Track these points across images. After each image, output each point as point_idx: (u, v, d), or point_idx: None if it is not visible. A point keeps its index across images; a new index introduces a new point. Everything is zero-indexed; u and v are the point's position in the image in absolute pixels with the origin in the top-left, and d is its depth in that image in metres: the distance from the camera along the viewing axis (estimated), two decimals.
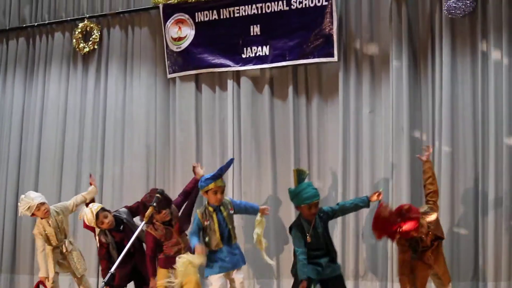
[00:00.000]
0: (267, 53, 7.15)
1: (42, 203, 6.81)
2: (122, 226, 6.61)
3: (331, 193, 7.02)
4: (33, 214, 6.85)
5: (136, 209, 6.74)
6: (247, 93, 7.39)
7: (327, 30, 6.87)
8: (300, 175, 5.93)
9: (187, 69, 7.55)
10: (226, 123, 7.47)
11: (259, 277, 7.22)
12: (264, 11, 7.14)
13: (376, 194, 5.96)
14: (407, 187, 6.61)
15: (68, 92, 8.35)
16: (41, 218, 6.85)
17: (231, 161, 6.30)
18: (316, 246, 5.85)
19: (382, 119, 6.87)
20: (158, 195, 5.97)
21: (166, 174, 7.79)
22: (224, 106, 7.52)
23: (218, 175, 6.04)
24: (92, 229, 6.84)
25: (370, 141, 6.88)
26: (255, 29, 7.19)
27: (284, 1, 7.05)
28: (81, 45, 8.14)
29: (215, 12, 7.39)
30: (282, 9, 7.06)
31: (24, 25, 8.61)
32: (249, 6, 7.20)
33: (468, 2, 6.41)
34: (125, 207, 6.88)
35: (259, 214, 6.25)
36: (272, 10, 7.11)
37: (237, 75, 7.43)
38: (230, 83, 7.44)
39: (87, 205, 6.81)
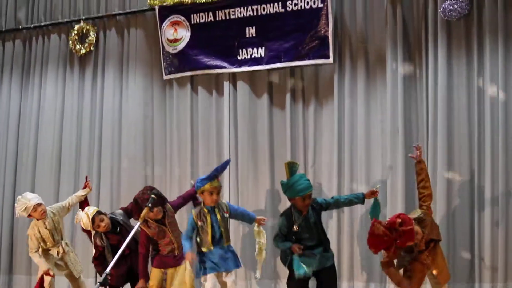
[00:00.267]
0: (263, 55, 7.16)
1: (39, 204, 6.81)
2: (118, 228, 6.61)
3: (326, 194, 7.01)
4: (29, 215, 6.85)
5: (131, 211, 6.75)
6: (243, 95, 7.40)
7: (322, 32, 6.88)
8: (291, 168, 5.95)
9: (183, 71, 7.56)
10: (223, 124, 7.47)
11: (255, 279, 7.19)
12: (259, 13, 7.15)
13: (372, 192, 5.96)
14: (402, 189, 6.62)
15: (65, 94, 8.35)
16: (38, 219, 6.85)
17: (227, 162, 6.30)
18: (308, 237, 5.87)
19: (377, 121, 6.88)
20: (153, 196, 5.99)
21: (163, 174, 7.79)
22: (220, 108, 7.53)
23: (214, 176, 6.04)
24: (89, 232, 6.84)
25: (366, 143, 6.88)
26: (251, 31, 7.20)
27: (280, 3, 7.06)
28: (78, 46, 8.14)
29: (210, 14, 7.40)
30: (278, 11, 7.07)
31: (20, 27, 8.61)
32: (245, 8, 7.21)
33: (464, 4, 6.42)
34: (121, 208, 6.89)
35: (256, 225, 6.26)
36: (268, 12, 7.12)
37: (233, 77, 7.44)
38: (226, 84, 7.45)
39: (82, 208, 6.80)
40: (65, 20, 8.32)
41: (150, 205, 5.93)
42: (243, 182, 7.37)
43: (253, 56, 7.19)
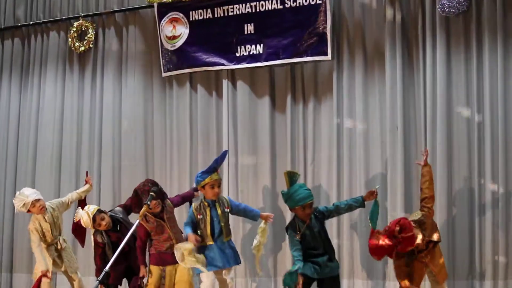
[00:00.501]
0: (261, 52, 7.15)
1: (37, 200, 6.80)
2: (118, 226, 6.61)
3: (325, 191, 7.01)
4: (29, 211, 6.84)
5: (130, 206, 6.76)
6: (242, 93, 7.39)
7: (320, 28, 6.86)
8: (291, 177, 5.99)
9: (181, 68, 7.55)
10: (222, 122, 7.47)
11: (255, 276, 7.20)
12: (258, 10, 7.14)
13: (371, 193, 5.97)
14: (401, 186, 6.62)
15: (64, 91, 8.33)
16: (37, 214, 6.84)
17: (225, 153, 6.30)
18: (313, 245, 5.89)
19: (376, 117, 6.88)
20: (152, 193, 5.99)
21: (163, 172, 7.78)
22: (219, 106, 7.53)
23: (214, 168, 6.05)
24: (82, 233, 6.84)
25: (364, 140, 6.88)
26: (249, 28, 7.19)
27: (278, 0, 7.04)
28: (77, 44, 8.13)
29: (209, 10, 7.38)
30: (276, 7, 7.06)
31: (19, 24, 8.60)
32: (243, 4, 7.20)
33: (462, 0, 6.41)
34: (120, 205, 6.88)
35: (263, 222, 6.24)
36: (266, 9, 7.10)
37: (232, 75, 7.43)
38: (225, 83, 7.44)
39: (82, 207, 6.80)
40: (63, 17, 8.31)
41: (149, 202, 5.94)
42: (243, 179, 7.36)
43: (251, 53, 7.18)
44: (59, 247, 6.91)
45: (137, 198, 6.22)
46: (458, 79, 6.57)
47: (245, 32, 7.21)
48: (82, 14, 8.18)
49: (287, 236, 6.80)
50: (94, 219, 6.45)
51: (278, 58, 7.07)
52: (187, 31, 7.51)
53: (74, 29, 8.12)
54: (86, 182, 7.18)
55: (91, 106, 8.17)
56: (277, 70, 7.31)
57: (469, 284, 6.45)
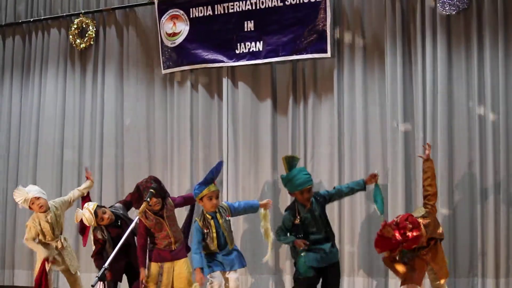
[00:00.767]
0: (261, 49, 7.14)
1: (37, 198, 6.79)
2: (119, 222, 6.62)
3: (326, 188, 7.00)
4: (30, 208, 6.85)
5: (130, 202, 6.77)
6: (243, 90, 7.38)
7: (320, 26, 6.85)
8: (290, 162, 5.97)
9: (181, 65, 7.54)
10: (222, 119, 7.47)
11: (254, 273, 7.21)
12: (258, 7, 7.13)
13: (372, 177, 5.99)
14: (402, 183, 6.63)
15: (66, 88, 8.32)
16: (40, 212, 6.83)
17: (220, 164, 6.24)
18: (315, 230, 5.91)
19: (376, 114, 6.89)
20: (152, 190, 6.00)
21: (165, 168, 7.78)
22: (220, 103, 7.53)
23: (210, 179, 6.04)
24: (86, 232, 6.85)
25: (364, 137, 6.88)
26: (249, 25, 7.19)
27: None
28: (78, 41, 8.13)
29: (209, 8, 7.38)
30: (276, 5, 7.05)
31: (20, 21, 8.60)
32: (243, 2, 7.19)
33: None
34: (119, 202, 6.89)
35: (262, 209, 6.26)
36: (266, 6, 7.10)
37: (232, 73, 7.42)
38: (225, 80, 7.43)
39: (83, 204, 6.81)
40: (64, 14, 8.32)
41: (148, 199, 5.95)
42: (244, 176, 7.36)
43: (251, 50, 7.17)
44: (59, 246, 6.89)
45: (138, 194, 6.23)
46: (459, 76, 6.57)
47: (245, 29, 7.20)
48: (83, 11, 8.17)
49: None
50: (96, 213, 6.45)
51: (278, 56, 7.07)
52: (187, 28, 7.51)
53: (75, 26, 8.12)
54: (87, 178, 7.19)
55: (93, 103, 8.17)
56: (278, 68, 7.31)
57: (470, 281, 6.45)
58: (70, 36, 8.16)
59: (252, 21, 7.17)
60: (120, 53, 8.11)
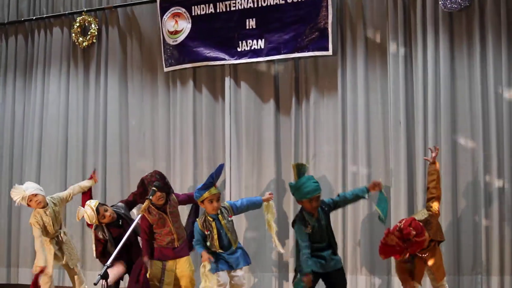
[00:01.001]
0: (262, 47, 7.13)
1: (34, 194, 6.80)
2: (120, 221, 6.61)
3: (329, 187, 7.00)
4: (28, 205, 6.86)
5: (133, 202, 6.77)
6: (245, 89, 7.38)
7: (322, 24, 6.85)
8: (300, 169, 5.95)
9: (183, 63, 7.53)
10: (225, 119, 7.46)
11: (257, 271, 7.21)
12: (259, 5, 7.12)
13: (375, 185, 5.97)
14: (404, 182, 6.63)
15: (69, 87, 8.32)
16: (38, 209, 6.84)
17: (221, 167, 6.20)
18: (319, 239, 5.91)
19: (378, 112, 6.88)
20: (154, 188, 5.99)
21: (168, 167, 7.77)
22: (222, 102, 7.53)
23: (210, 184, 6.02)
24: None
25: (367, 135, 6.87)
26: (251, 23, 7.18)
27: None
28: (80, 39, 8.13)
29: (211, 5, 7.37)
30: (278, 2, 7.04)
31: (22, 19, 8.60)
32: None
33: None
34: (121, 201, 6.88)
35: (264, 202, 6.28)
36: (268, 4, 7.09)
37: (234, 72, 7.41)
38: (227, 80, 7.42)
39: (83, 201, 6.81)
40: (67, 12, 8.31)
41: (151, 197, 5.94)
42: (247, 175, 7.35)
43: (253, 48, 7.17)
44: (59, 240, 6.90)
45: (143, 188, 6.24)
46: (461, 74, 6.56)
47: (247, 27, 7.20)
48: (85, 9, 8.17)
49: (290, 233, 6.84)
50: (97, 211, 6.45)
51: (279, 53, 7.05)
52: (189, 26, 7.50)
53: (78, 24, 8.12)
54: (91, 178, 7.18)
55: (96, 102, 8.16)
56: (280, 67, 7.31)
57: (473, 279, 6.43)
58: (73, 34, 8.16)
59: (254, 19, 7.16)
60: (122, 52, 8.11)
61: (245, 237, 7.16)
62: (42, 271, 6.78)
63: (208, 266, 5.88)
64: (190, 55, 7.47)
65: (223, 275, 6.07)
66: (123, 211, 6.68)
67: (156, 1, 7.69)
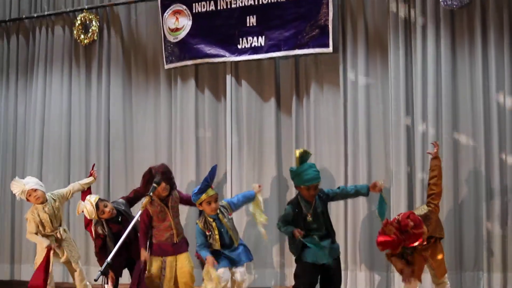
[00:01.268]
0: (263, 44, 7.13)
1: (34, 189, 6.80)
2: (120, 217, 6.63)
3: (330, 183, 6.98)
4: (27, 199, 6.86)
5: (133, 198, 6.78)
6: (246, 87, 7.39)
7: (322, 21, 6.84)
8: (302, 156, 5.99)
9: (183, 60, 7.53)
10: (226, 117, 7.47)
11: (258, 268, 7.22)
12: (260, 2, 7.12)
13: (375, 185, 6.00)
14: (405, 178, 6.64)
15: (71, 85, 8.30)
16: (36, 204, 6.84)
17: (214, 169, 6.22)
18: (317, 227, 5.94)
19: (379, 109, 6.89)
20: (154, 184, 6.01)
21: (169, 163, 7.76)
22: (223, 100, 7.54)
23: (206, 186, 6.06)
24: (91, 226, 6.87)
25: (367, 132, 6.88)
26: (251, 20, 7.18)
27: None
28: (82, 36, 8.12)
29: (212, 3, 7.37)
30: (279, 0, 7.05)
31: (24, 16, 8.59)
32: None
33: None
34: (122, 197, 6.89)
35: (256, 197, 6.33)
36: (268, 1, 7.09)
37: (235, 69, 7.41)
38: (228, 78, 7.42)
39: (83, 198, 6.82)
40: (68, 9, 8.31)
41: (151, 193, 5.96)
42: (248, 172, 7.36)
43: (253, 45, 7.17)
44: (59, 237, 6.89)
45: (149, 176, 6.25)
46: (463, 71, 6.56)
47: (247, 25, 7.20)
48: (86, 7, 8.17)
49: None
50: (97, 206, 6.47)
51: (280, 50, 7.06)
52: (189, 23, 7.50)
53: (79, 22, 8.12)
54: (91, 175, 7.21)
55: (98, 99, 8.15)
56: (281, 64, 7.31)
57: (475, 275, 6.45)
58: (75, 32, 8.16)
59: (254, 16, 7.16)
60: (124, 49, 8.11)
61: (245, 233, 7.17)
62: (49, 249, 6.77)
63: (213, 272, 5.93)
64: (191, 52, 7.47)
65: (225, 272, 6.09)
66: (123, 208, 6.69)
67: None
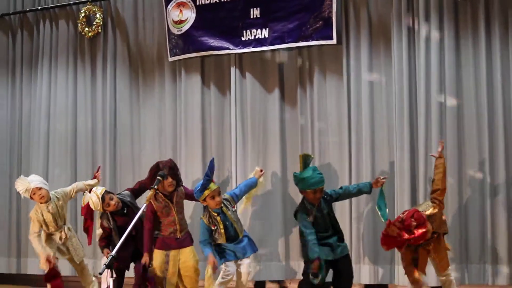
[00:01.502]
0: (266, 36, 7.10)
1: (39, 188, 6.80)
2: (125, 210, 6.64)
3: (334, 177, 7.00)
4: (31, 197, 6.86)
5: (138, 190, 6.79)
6: (250, 80, 7.37)
7: (326, 13, 6.81)
8: (305, 160, 6.05)
9: (187, 52, 7.51)
10: (230, 111, 7.46)
11: (263, 260, 7.21)
12: None
13: (379, 181, 6.06)
14: (408, 171, 6.61)
15: (77, 78, 8.31)
16: (40, 203, 6.85)
17: (212, 162, 6.24)
18: (323, 228, 6.01)
19: (383, 101, 6.86)
20: (159, 177, 6.01)
21: (174, 156, 7.75)
22: (227, 93, 7.52)
23: (208, 181, 6.08)
24: (89, 216, 6.87)
25: (370, 124, 6.85)
26: (255, 12, 7.15)
27: None
28: (86, 29, 8.11)
29: None
30: None
31: (28, 9, 8.59)
32: None
33: None
34: (127, 189, 6.90)
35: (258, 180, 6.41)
36: None
37: (239, 61, 7.39)
38: (233, 70, 7.41)
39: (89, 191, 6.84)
40: (71, 2, 8.30)
41: (155, 187, 5.96)
42: (253, 165, 7.31)
43: (257, 37, 7.14)
44: (63, 236, 6.91)
45: (156, 169, 6.27)
46: (466, 62, 6.54)
47: (251, 17, 7.17)
48: None
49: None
50: (103, 198, 6.47)
51: (283, 42, 7.03)
52: (193, 15, 7.48)
53: (83, 14, 8.10)
54: (95, 177, 7.20)
55: (103, 92, 8.14)
56: (285, 56, 7.29)
57: (481, 268, 6.44)
58: (79, 25, 8.14)
59: (258, 8, 7.14)
60: (128, 42, 8.10)
61: (250, 226, 7.16)
62: (49, 260, 6.77)
63: (210, 271, 6.00)
64: (195, 45, 7.45)
65: (230, 265, 6.13)
66: (129, 199, 6.71)
67: None
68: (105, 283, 6.53)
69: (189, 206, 6.95)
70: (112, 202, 6.52)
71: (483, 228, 6.43)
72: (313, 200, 5.99)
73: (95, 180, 7.15)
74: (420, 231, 5.35)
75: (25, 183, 6.81)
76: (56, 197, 6.93)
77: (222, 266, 6.17)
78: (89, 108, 8.22)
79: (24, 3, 8.69)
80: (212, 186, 6.09)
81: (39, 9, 8.48)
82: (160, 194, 6.31)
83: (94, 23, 8.05)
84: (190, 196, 6.50)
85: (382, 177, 6.15)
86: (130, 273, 6.78)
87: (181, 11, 7.54)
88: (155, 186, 5.94)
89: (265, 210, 7.15)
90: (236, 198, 6.30)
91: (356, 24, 6.94)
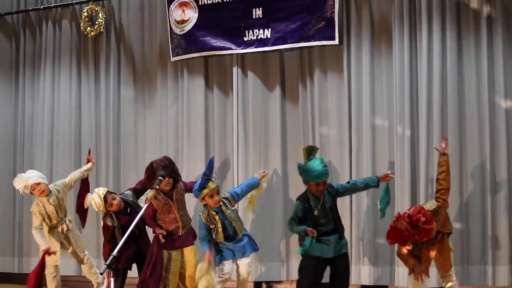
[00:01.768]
0: (269, 36, 7.11)
1: (37, 183, 6.80)
2: (129, 209, 6.64)
3: (335, 174, 7.00)
4: (31, 193, 6.87)
5: (140, 190, 6.79)
6: (252, 79, 7.37)
7: (328, 13, 6.82)
8: (310, 151, 6.02)
9: (190, 52, 7.52)
10: (232, 110, 7.46)
11: (264, 261, 7.22)
12: None
13: (386, 176, 6.07)
14: (408, 171, 6.61)
15: (80, 78, 8.30)
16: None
17: (211, 161, 6.25)
18: (324, 222, 5.96)
19: (384, 101, 6.87)
20: (160, 177, 6.01)
21: (176, 155, 7.76)
22: (229, 92, 7.52)
23: (206, 180, 6.07)
24: (84, 215, 6.86)
25: (371, 124, 6.86)
26: (257, 12, 7.16)
27: None
28: (88, 29, 8.11)
29: None
30: None
31: (30, 9, 8.59)
32: None
33: None
34: (129, 189, 6.90)
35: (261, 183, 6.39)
36: None
37: (242, 61, 7.40)
38: (235, 70, 7.41)
39: (83, 188, 6.83)
40: (74, 1, 8.30)
41: (157, 186, 5.97)
42: (254, 163, 7.35)
43: (259, 37, 7.16)
44: (65, 228, 6.93)
45: (151, 171, 6.25)
46: (469, 63, 6.53)
47: (253, 17, 7.18)
48: None
49: None
50: (105, 199, 6.48)
51: (286, 43, 7.05)
52: (196, 15, 7.48)
53: (85, 14, 8.10)
54: (89, 161, 7.20)
55: (106, 91, 8.15)
56: (287, 56, 7.29)
57: (482, 269, 6.44)
58: (81, 24, 8.14)
59: (260, 8, 7.14)
60: (130, 42, 8.10)
61: (252, 226, 7.17)
62: (46, 252, 6.79)
63: (205, 267, 5.98)
64: (197, 45, 7.46)
65: (228, 265, 6.12)
66: (131, 199, 6.72)
67: None
68: (106, 283, 6.56)
69: (191, 202, 6.93)
70: (115, 202, 6.53)
71: (484, 229, 6.43)
72: (316, 192, 5.94)
73: (90, 164, 7.15)
74: (427, 227, 5.34)
75: (23, 180, 6.81)
76: (56, 189, 6.94)
77: (221, 265, 6.17)
78: (92, 107, 8.22)
79: (26, 3, 8.69)
80: (211, 185, 6.08)
81: (42, 8, 8.48)
82: (160, 192, 6.30)
83: (96, 22, 8.06)
84: (190, 190, 6.48)
85: (390, 172, 6.15)
86: (132, 273, 6.80)
87: (183, 11, 7.54)
88: (157, 186, 5.94)
89: (266, 209, 7.15)
90: (236, 197, 6.29)
91: (357, 23, 6.94)
